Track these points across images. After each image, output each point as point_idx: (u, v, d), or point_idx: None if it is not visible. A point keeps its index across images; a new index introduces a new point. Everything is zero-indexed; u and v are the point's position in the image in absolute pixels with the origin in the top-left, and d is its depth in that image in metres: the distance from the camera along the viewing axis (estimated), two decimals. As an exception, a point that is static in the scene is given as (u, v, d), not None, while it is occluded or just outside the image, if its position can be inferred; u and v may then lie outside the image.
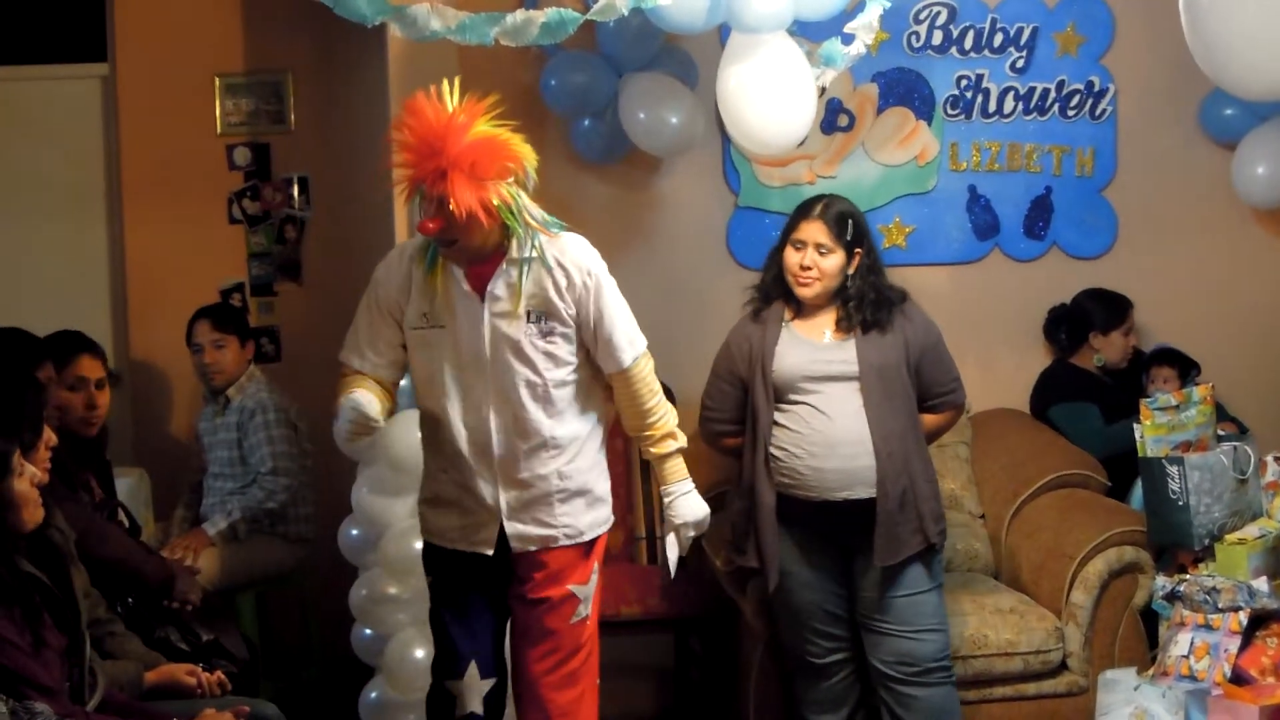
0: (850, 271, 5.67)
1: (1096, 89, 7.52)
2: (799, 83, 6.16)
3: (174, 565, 5.67)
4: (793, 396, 5.63)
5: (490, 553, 5.01)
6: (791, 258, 5.67)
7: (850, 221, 5.67)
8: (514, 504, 4.97)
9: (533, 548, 5.00)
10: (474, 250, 4.82)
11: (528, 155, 4.82)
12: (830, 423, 5.54)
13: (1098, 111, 7.52)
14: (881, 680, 5.70)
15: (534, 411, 4.91)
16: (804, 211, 5.73)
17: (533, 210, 4.90)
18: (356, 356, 5.04)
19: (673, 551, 5.23)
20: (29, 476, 4.18)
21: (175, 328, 7.63)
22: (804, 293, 5.66)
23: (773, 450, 5.64)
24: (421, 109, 4.70)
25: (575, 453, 5.02)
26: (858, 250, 5.67)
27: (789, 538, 5.67)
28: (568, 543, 5.02)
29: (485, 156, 4.71)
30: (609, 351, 4.99)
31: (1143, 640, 6.29)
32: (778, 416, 5.67)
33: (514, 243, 4.86)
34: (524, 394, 4.89)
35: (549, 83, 6.78)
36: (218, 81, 8.18)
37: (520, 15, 5.64)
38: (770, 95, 6.15)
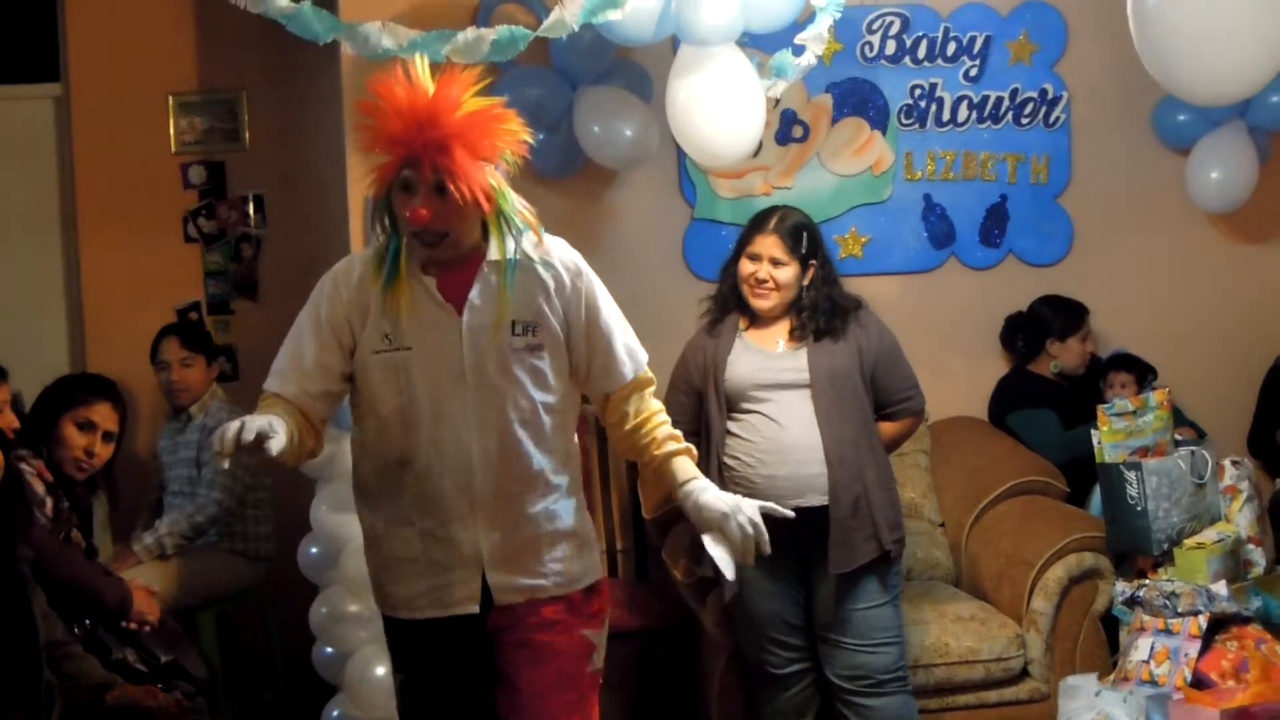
0: (805, 283, 5.68)
1: (1050, 96, 7.54)
2: (748, 94, 6.18)
3: (131, 586, 5.65)
4: (745, 405, 5.64)
5: (476, 609, 4.26)
6: (746, 269, 5.67)
7: (805, 234, 5.68)
8: (498, 551, 4.24)
9: (519, 600, 4.27)
10: (462, 248, 4.18)
11: (523, 134, 4.17)
12: (782, 430, 5.54)
13: (1051, 119, 7.54)
14: (838, 693, 5.70)
15: (524, 440, 4.22)
16: (758, 225, 5.74)
17: (519, 202, 4.25)
18: (278, 380, 4.23)
19: (722, 556, 4.32)
20: None
21: (132, 347, 7.62)
22: (760, 304, 5.67)
23: (726, 459, 5.64)
24: (402, 78, 4.04)
25: (563, 489, 4.35)
26: (812, 262, 5.68)
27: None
28: (559, 592, 4.31)
29: (486, 129, 4.09)
30: (606, 366, 4.38)
31: (1104, 646, 6.29)
32: (731, 426, 5.67)
33: (493, 242, 4.22)
34: (512, 418, 4.21)
35: (503, 97, 6.77)
36: (172, 100, 8.17)
37: (471, 33, 5.66)
38: (720, 107, 6.17)
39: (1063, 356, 7.34)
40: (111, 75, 8.08)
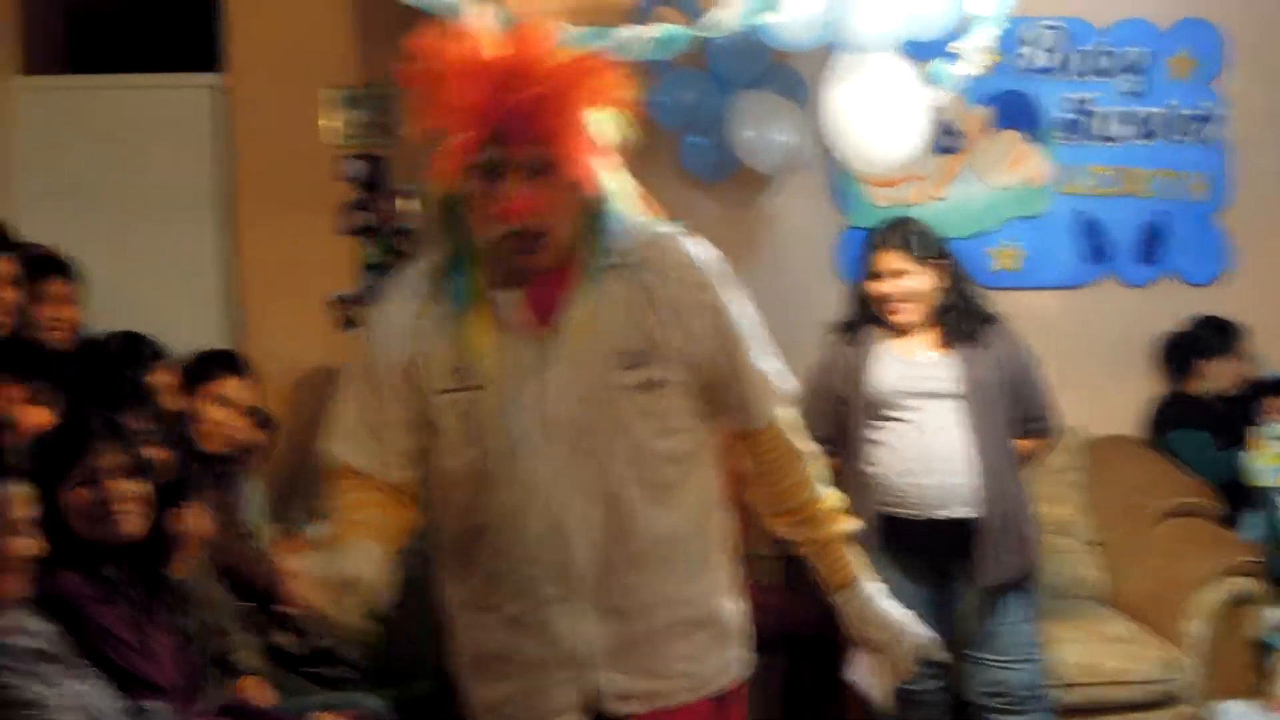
0: (938, 285, 5.65)
1: (1208, 114, 7.47)
2: (907, 103, 6.15)
3: (287, 570, 5.70)
4: (888, 413, 5.60)
5: None
6: (876, 290, 5.65)
7: (921, 238, 5.67)
8: (609, 646, 3.34)
9: (641, 709, 3.38)
10: (558, 252, 3.26)
11: (633, 86, 3.25)
12: (929, 439, 5.51)
13: (1210, 136, 7.46)
14: (977, 710, 5.67)
15: (637, 501, 3.30)
16: (874, 243, 5.71)
17: (633, 186, 3.46)
18: (351, 446, 3.43)
19: (872, 679, 3.72)
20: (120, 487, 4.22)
21: (289, 336, 7.69)
22: (900, 320, 5.64)
23: (867, 467, 5.61)
24: (469, 35, 3.17)
25: (697, 562, 3.43)
26: (939, 261, 5.66)
27: (887, 558, 5.62)
28: (690, 698, 3.41)
29: (587, 83, 3.19)
30: (744, 398, 3.45)
31: (1257, 672, 6.20)
32: (873, 434, 5.64)
33: (591, 243, 3.31)
34: (621, 475, 3.28)
35: (659, 99, 6.79)
36: (331, 93, 8.24)
37: (630, 31, 5.66)
38: (878, 115, 6.15)
39: (1215, 377, 7.26)
40: (271, 67, 8.14)
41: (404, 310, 3.36)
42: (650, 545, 3.32)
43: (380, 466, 3.39)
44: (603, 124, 3.24)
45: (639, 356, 3.27)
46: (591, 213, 3.29)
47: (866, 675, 3.72)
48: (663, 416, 3.32)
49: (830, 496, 3.61)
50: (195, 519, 4.80)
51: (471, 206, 3.24)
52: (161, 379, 5.66)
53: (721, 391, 3.41)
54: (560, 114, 3.13)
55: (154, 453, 4.68)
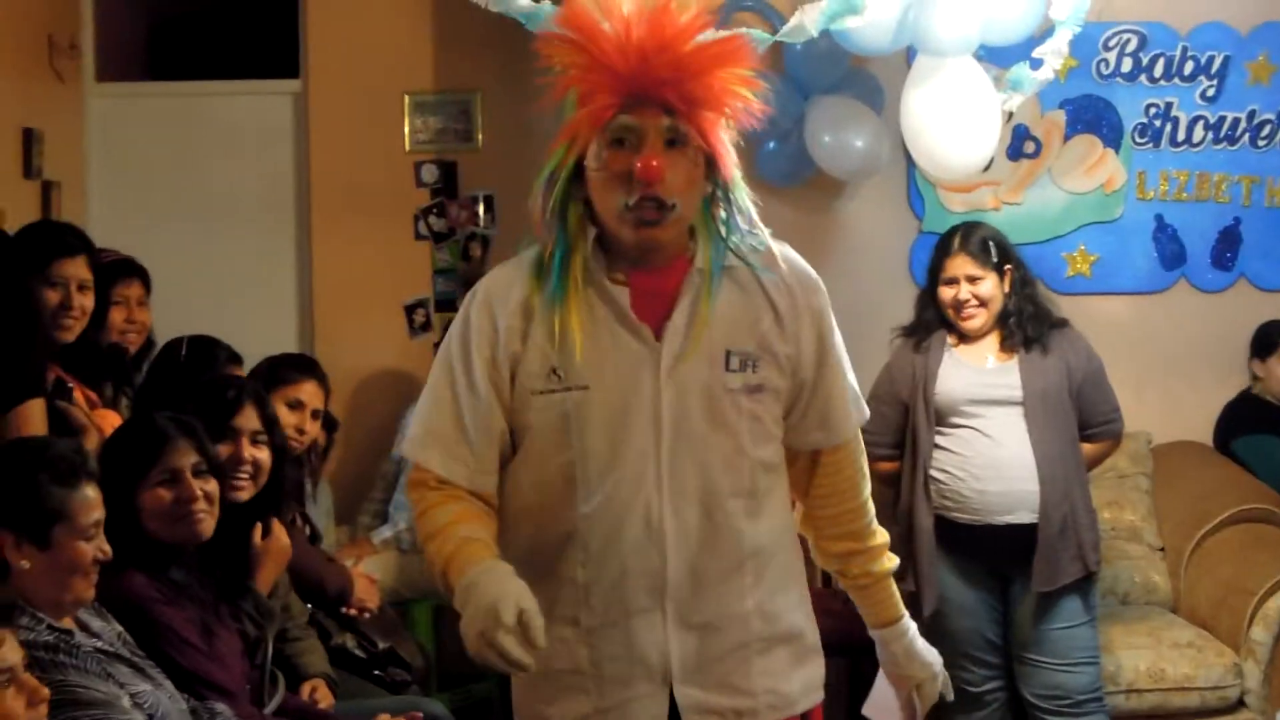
0: (1006, 290, 5.66)
1: (1289, 118, 7.43)
2: (984, 107, 6.13)
3: (353, 573, 5.73)
4: (955, 420, 5.62)
5: None
6: (947, 296, 5.66)
7: (992, 243, 5.67)
8: (691, 659, 3.20)
9: None
10: (679, 234, 3.18)
11: (758, 88, 3.15)
12: (995, 446, 5.51)
13: (1290, 141, 7.42)
14: (1034, 713, 5.67)
15: (734, 511, 3.19)
16: (945, 249, 5.73)
17: (745, 190, 3.24)
18: (439, 453, 3.22)
19: (894, 710, 3.65)
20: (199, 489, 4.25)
21: (361, 340, 7.76)
22: (971, 325, 5.65)
23: (933, 473, 5.63)
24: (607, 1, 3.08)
25: (780, 577, 3.32)
26: (1007, 267, 5.67)
27: (947, 563, 5.65)
28: (773, 717, 3.30)
29: (729, 71, 3.10)
30: (825, 414, 3.35)
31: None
32: (939, 440, 5.66)
33: (702, 241, 3.20)
34: (719, 481, 3.17)
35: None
36: (407, 99, 8.27)
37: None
38: (955, 120, 6.12)
39: (1266, 378, 7.20)
40: (349, 73, 8.21)
41: (511, 294, 3.21)
42: (743, 556, 3.21)
43: (469, 474, 3.21)
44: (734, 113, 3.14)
45: (748, 358, 3.19)
46: (717, 200, 3.21)
47: (891, 712, 3.63)
48: (762, 421, 3.23)
49: (880, 530, 3.51)
50: (278, 537, 4.84)
51: (595, 182, 3.13)
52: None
53: (806, 404, 3.32)
54: (699, 87, 3.05)
55: (260, 455, 4.79)
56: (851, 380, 3.40)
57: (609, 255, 3.18)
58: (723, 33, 3.11)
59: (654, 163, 3.00)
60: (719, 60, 3.07)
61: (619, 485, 3.14)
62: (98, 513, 3.70)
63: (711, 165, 3.15)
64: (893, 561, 3.52)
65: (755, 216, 3.24)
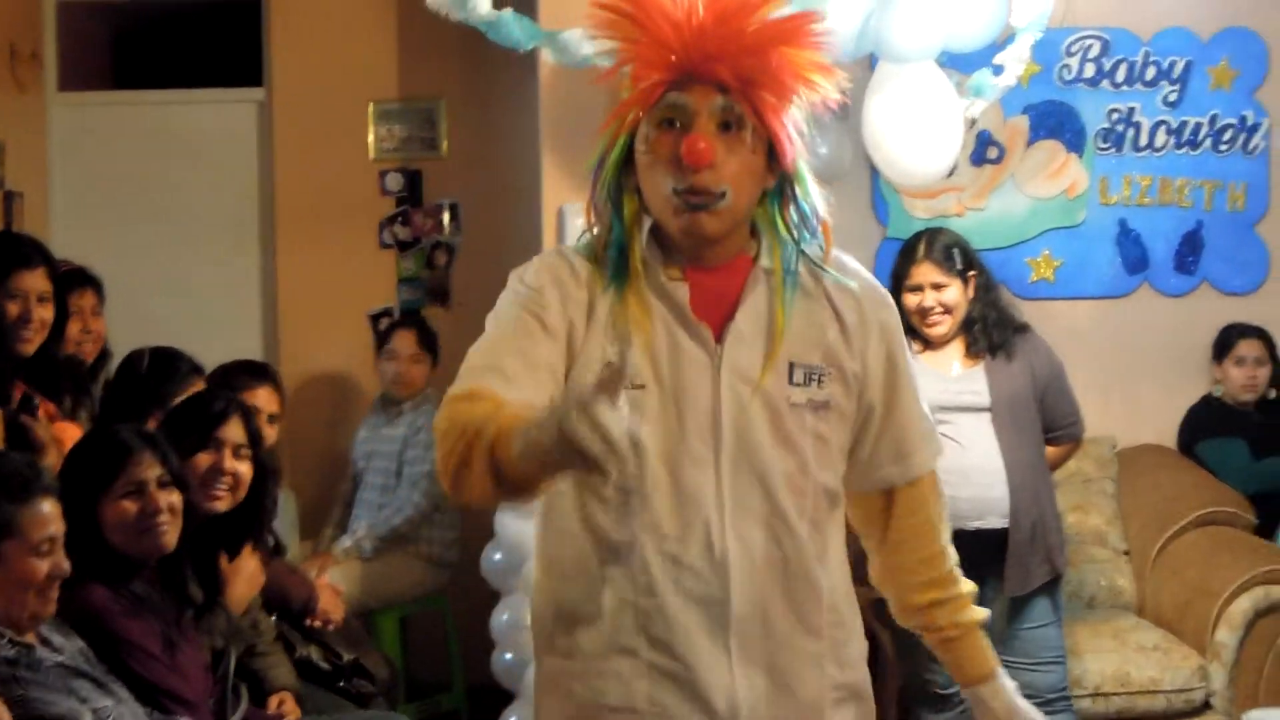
0: (970, 296, 5.66)
1: (1250, 123, 7.43)
2: (946, 114, 6.14)
3: (317, 584, 5.72)
4: None
5: None
6: (911, 303, 5.63)
7: (956, 249, 5.67)
8: (762, 708, 2.86)
9: None
10: (734, 225, 2.85)
11: (835, 75, 2.85)
12: (964, 452, 5.50)
13: (1251, 146, 7.42)
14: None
15: (803, 538, 2.87)
16: (909, 255, 5.71)
17: (815, 188, 2.92)
18: (501, 379, 2.73)
19: None
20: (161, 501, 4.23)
21: (324, 350, 7.76)
22: (935, 332, 5.64)
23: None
24: None
25: (850, 624, 3.02)
26: (971, 274, 5.67)
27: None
28: None
29: (797, 54, 2.80)
30: (901, 446, 3.03)
31: (1289, 681, 6.20)
32: None
33: (765, 241, 2.90)
34: (788, 504, 2.85)
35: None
36: (371, 107, 8.27)
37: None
38: (917, 126, 6.12)
39: (1224, 381, 7.22)
40: (313, 82, 8.20)
41: (572, 275, 2.88)
42: (814, 592, 2.89)
43: (523, 399, 2.70)
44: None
45: (813, 371, 2.87)
46: (781, 194, 2.90)
47: None
48: (828, 443, 2.91)
49: (965, 580, 3.17)
50: (249, 563, 4.86)
51: (642, 166, 2.85)
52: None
53: (878, 434, 3.00)
54: (756, 64, 2.76)
55: (242, 468, 4.79)
56: (925, 408, 3.10)
57: (665, 250, 2.89)
58: (792, 10, 2.83)
59: (701, 145, 2.71)
60: (781, 37, 2.77)
61: (681, 501, 2.81)
62: (53, 528, 3.68)
63: (774, 155, 2.85)
64: (982, 613, 3.18)
65: (823, 213, 2.91)
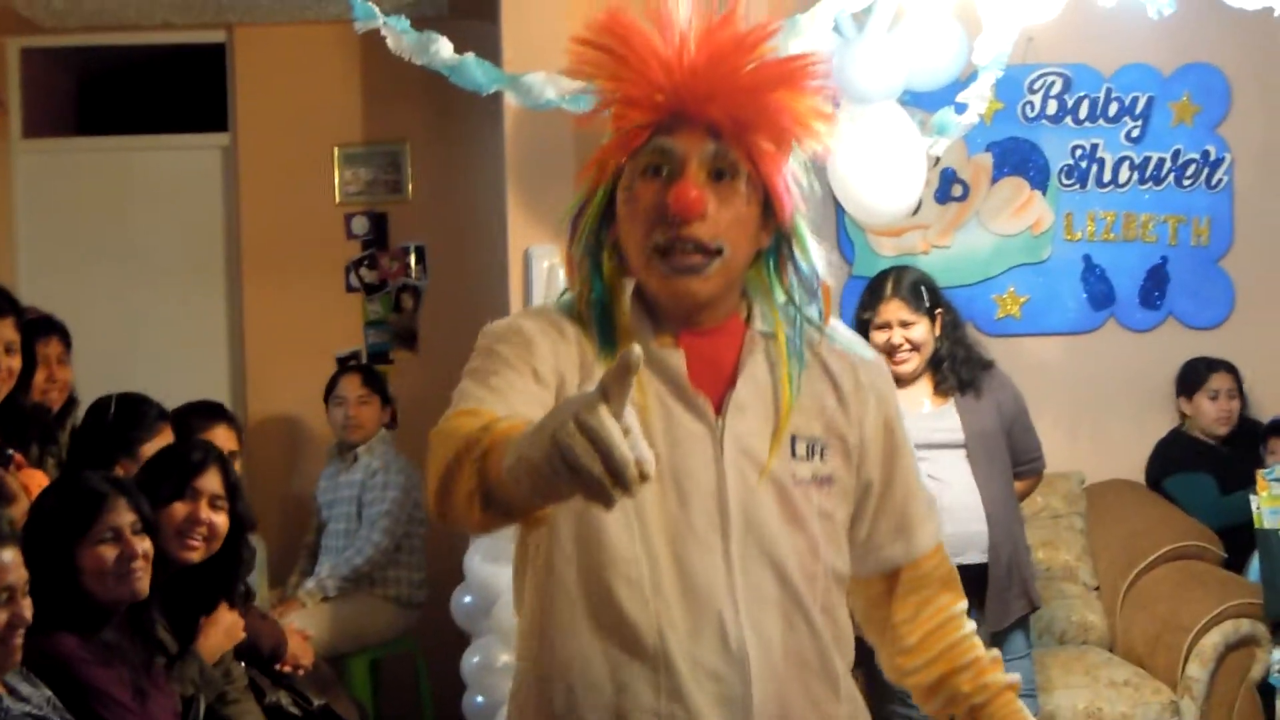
0: (937, 334, 5.68)
1: (1212, 158, 7.48)
2: (909, 152, 6.15)
3: (286, 630, 5.70)
4: None
5: None
6: (879, 340, 5.63)
7: (923, 287, 5.70)
8: None
9: None
10: (727, 286, 2.58)
11: (831, 121, 2.56)
12: (942, 488, 5.49)
13: (1214, 181, 7.47)
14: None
15: (818, 623, 2.62)
16: (877, 293, 5.72)
17: (814, 245, 2.66)
18: (500, 401, 2.42)
19: None
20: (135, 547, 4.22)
21: (292, 395, 7.74)
22: (903, 370, 5.63)
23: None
24: (652, 5, 2.50)
25: (862, 704, 2.77)
26: (938, 311, 5.69)
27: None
28: None
29: (793, 99, 2.51)
30: (904, 521, 2.79)
31: (1260, 715, 6.21)
32: None
33: (759, 304, 2.65)
34: (803, 590, 2.60)
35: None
36: (336, 151, 8.27)
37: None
38: (880, 164, 6.14)
39: (1195, 415, 7.24)
40: (278, 126, 8.21)
41: (563, 335, 2.58)
42: (831, 679, 2.65)
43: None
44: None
45: (815, 443, 2.62)
46: (777, 253, 2.63)
47: None
48: (834, 521, 2.65)
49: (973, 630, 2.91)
50: (226, 615, 4.88)
51: (623, 217, 2.57)
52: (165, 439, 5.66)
53: (876, 510, 2.75)
54: (751, 106, 2.48)
55: (218, 519, 4.79)
56: (925, 479, 2.86)
57: (651, 311, 2.60)
58: (789, 51, 2.65)
59: (692, 193, 2.44)
60: (780, 79, 2.50)
61: (692, 590, 2.52)
62: (12, 576, 3.65)
63: (768, 210, 2.57)
64: (1012, 677, 2.90)
65: (823, 274, 2.66)
